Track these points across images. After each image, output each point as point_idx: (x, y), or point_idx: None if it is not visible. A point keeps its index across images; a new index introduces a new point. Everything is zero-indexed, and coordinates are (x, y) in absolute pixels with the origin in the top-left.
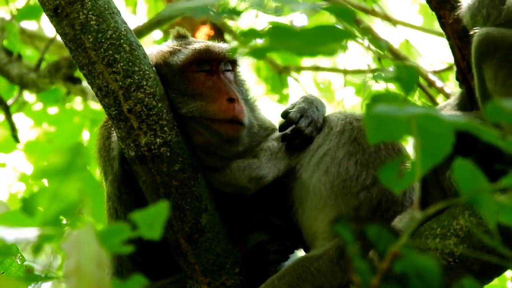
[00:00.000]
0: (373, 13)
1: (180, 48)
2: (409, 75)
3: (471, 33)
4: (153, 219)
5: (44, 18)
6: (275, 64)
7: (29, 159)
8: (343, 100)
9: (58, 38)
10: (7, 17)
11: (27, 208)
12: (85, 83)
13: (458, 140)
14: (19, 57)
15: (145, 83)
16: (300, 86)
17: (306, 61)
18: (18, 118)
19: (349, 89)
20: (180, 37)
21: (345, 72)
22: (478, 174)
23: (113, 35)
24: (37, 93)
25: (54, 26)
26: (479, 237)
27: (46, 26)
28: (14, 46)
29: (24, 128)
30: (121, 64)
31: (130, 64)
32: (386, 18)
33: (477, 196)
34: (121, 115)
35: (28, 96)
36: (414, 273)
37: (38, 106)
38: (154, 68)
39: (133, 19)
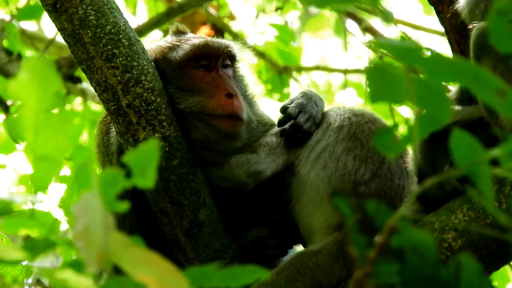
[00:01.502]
0: (373, 12)
1: (179, 43)
2: (413, 46)
3: (470, 27)
4: (145, 161)
5: (44, 19)
6: (275, 64)
7: (29, 161)
8: (343, 100)
9: (58, 39)
10: (7, 18)
11: (11, 133)
12: (85, 84)
13: None
14: (19, 56)
15: (144, 78)
16: (300, 87)
17: (306, 61)
18: None
19: (350, 89)
20: (179, 32)
21: (346, 71)
22: (476, 146)
23: (112, 30)
24: None
25: (53, 21)
26: (485, 209)
27: (46, 27)
28: (14, 46)
29: None
30: (120, 59)
31: (129, 59)
32: None
33: (474, 167)
34: (119, 110)
35: None
36: (411, 248)
37: None
38: (153, 63)
39: (133, 19)
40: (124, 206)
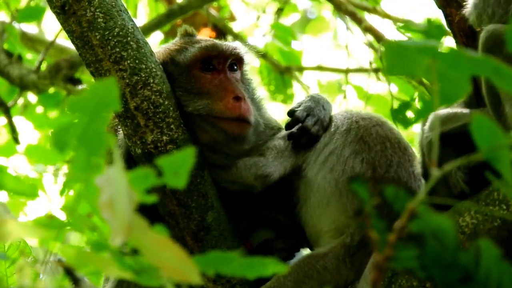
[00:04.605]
0: (374, 11)
1: (187, 46)
2: (437, 30)
3: (478, 30)
4: (178, 165)
5: (45, 21)
6: (277, 65)
7: (30, 163)
8: (346, 100)
9: (58, 41)
10: (8, 19)
11: (57, 142)
12: (85, 86)
13: (466, 140)
14: (20, 58)
15: (152, 80)
16: (302, 87)
17: (308, 61)
18: (19, 121)
19: (351, 89)
20: (187, 35)
21: (347, 71)
22: (497, 130)
23: (120, 33)
24: (37, 94)
25: (61, 24)
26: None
27: (47, 29)
28: (15, 48)
29: (25, 131)
30: (128, 61)
31: (137, 61)
32: (388, 16)
33: (494, 152)
34: (127, 112)
35: (29, 99)
36: (430, 233)
37: (39, 109)
38: (161, 66)
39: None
40: (152, 199)
